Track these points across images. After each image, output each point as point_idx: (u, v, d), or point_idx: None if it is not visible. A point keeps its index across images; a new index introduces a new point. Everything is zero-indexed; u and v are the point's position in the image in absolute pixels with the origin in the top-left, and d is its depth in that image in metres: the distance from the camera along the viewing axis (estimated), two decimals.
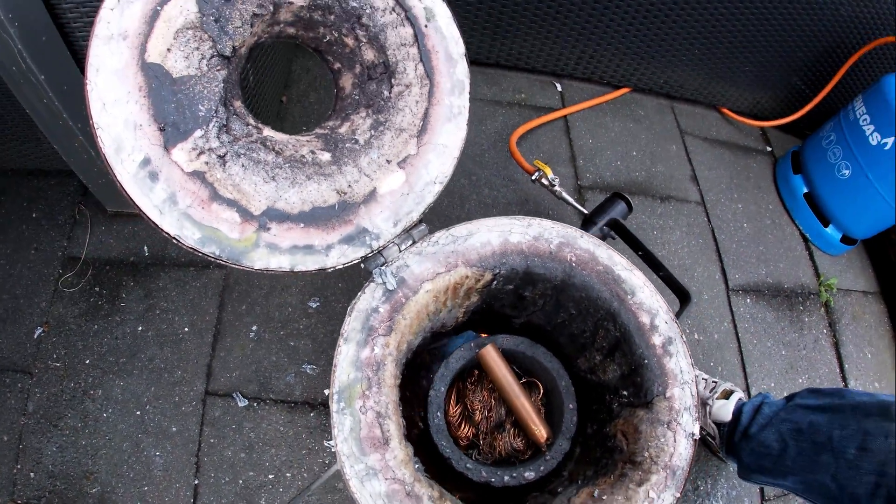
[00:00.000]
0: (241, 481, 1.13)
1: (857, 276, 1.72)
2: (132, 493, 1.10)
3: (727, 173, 1.73)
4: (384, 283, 0.74)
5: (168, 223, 0.64)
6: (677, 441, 0.74)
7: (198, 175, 0.66)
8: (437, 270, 0.77)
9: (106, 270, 1.28)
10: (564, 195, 1.31)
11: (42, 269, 1.26)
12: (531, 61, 1.66)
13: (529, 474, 0.83)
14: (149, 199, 0.63)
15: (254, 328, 1.27)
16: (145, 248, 1.32)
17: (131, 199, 0.64)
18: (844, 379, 1.52)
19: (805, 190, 1.65)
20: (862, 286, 1.71)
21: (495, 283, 0.82)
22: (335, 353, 0.71)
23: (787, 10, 1.49)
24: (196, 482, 1.12)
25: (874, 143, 1.43)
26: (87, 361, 1.19)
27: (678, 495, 0.71)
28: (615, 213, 1.26)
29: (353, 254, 0.74)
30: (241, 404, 1.20)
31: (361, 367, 0.69)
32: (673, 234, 1.58)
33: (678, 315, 0.85)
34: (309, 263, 0.71)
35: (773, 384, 1.45)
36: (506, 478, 0.81)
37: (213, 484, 1.12)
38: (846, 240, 1.65)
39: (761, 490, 1.32)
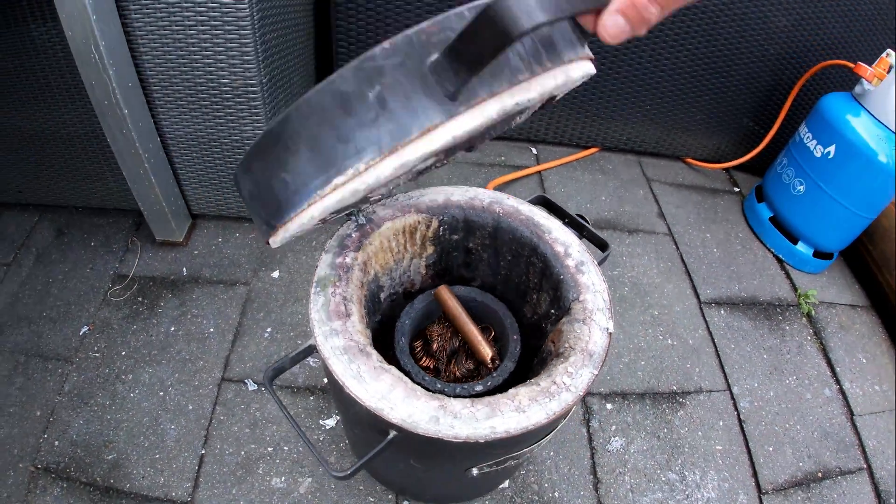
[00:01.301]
0: (242, 453, 1.25)
1: (841, 290, 1.81)
2: (144, 459, 1.22)
3: (694, 210, 1.93)
4: (356, 220, 0.97)
5: None
6: (592, 332, 0.88)
7: None
8: (395, 214, 1.00)
9: (149, 285, 1.54)
10: None
11: (94, 283, 1.53)
12: (509, 131, 2.01)
13: (478, 387, 0.96)
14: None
15: (268, 330, 1.47)
16: (184, 269, 1.58)
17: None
18: (838, 381, 1.56)
19: (770, 214, 1.83)
20: (848, 300, 1.78)
21: (442, 229, 1.04)
22: (318, 261, 0.92)
23: (721, 57, 1.79)
24: (203, 452, 1.25)
25: (818, 155, 1.64)
26: (123, 353, 1.40)
27: (595, 373, 0.84)
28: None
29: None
30: (251, 388, 1.36)
31: (335, 267, 0.90)
32: (641, 259, 1.75)
33: (600, 263, 1.02)
34: None
35: (756, 384, 1.50)
36: (457, 389, 0.95)
37: (217, 454, 1.25)
38: (820, 255, 1.78)
39: (757, 484, 1.33)
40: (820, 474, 1.38)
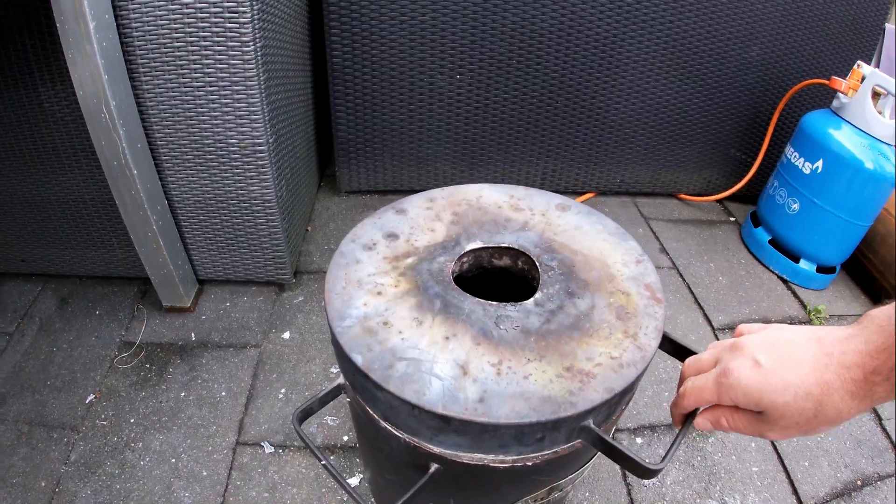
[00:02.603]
0: None
1: (848, 302, 1.79)
2: None
3: (694, 242, 1.94)
4: None
5: None
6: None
7: None
8: None
9: (157, 351, 1.48)
10: None
11: (100, 351, 1.46)
12: (506, 181, 2.04)
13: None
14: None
15: (282, 391, 1.40)
16: (192, 334, 1.53)
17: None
18: None
19: (769, 237, 1.84)
20: (857, 310, 1.76)
21: None
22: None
23: (703, 92, 1.86)
24: None
25: (807, 172, 1.68)
26: (132, 420, 1.32)
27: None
28: None
29: None
30: (267, 451, 1.27)
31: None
32: None
33: None
34: None
35: None
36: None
37: None
38: (823, 269, 1.77)
39: (799, 501, 1.26)
40: (859, 482, 1.31)
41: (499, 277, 0.95)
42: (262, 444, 1.28)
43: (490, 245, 0.90)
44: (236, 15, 1.18)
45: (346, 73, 1.74)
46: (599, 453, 0.82)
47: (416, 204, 0.99)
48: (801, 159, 1.70)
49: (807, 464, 1.34)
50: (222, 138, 1.35)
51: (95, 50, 1.09)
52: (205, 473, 1.22)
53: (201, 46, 1.22)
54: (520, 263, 0.89)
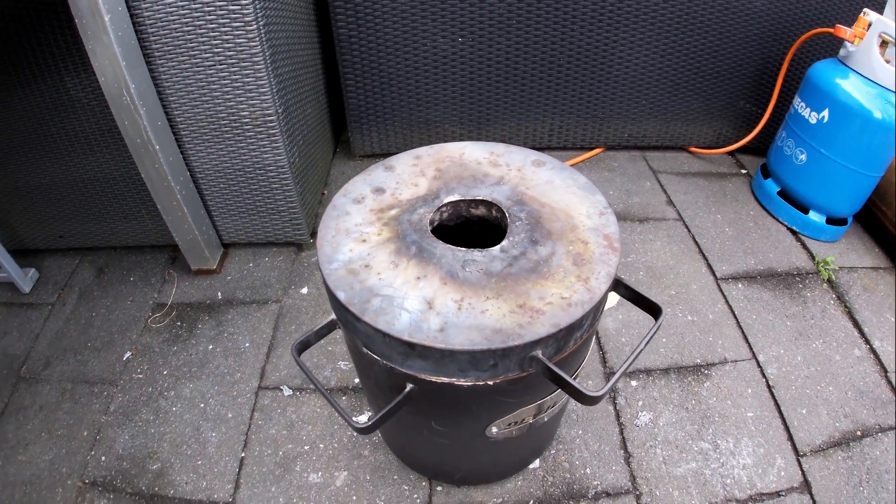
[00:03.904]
0: (280, 453, 1.32)
1: (860, 255, 1.80)
2: (187, 466, 1.30)
3: (703, 195, 1.97)
4: None
5: None
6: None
7: None
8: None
9: (187, 311, 1.66)
10: None
11: (135, 314, 1.65)
12: (514, 140, 2.11)
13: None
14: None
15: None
16: (219, 293, 1.70)
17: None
18: (867, 340, 1.54)
19: (777, 188, 1.85)
20: (869, 263, 1.78)
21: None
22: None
23: (709, 43, 1.87)
24: (243, 455, 1.32)
25: (813, 121, 1.68)
26: (165, 372, 1.50)
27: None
28: None
29: None
30: (286, 394, 1.43)
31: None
32: (654, 245, 1.79)
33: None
34: None
35: (782, 350, 1.51)
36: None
37: (256, 456, 1.32)
38: (833, 221, 1.78)
39: (794, 447, 1.32)
40: (859, 433, 1.36)
41: (479, 225, 1.05)
42: (281, 387, 1.44)
43: (467, 198, 1.00)
44: None
45: (352, 43, 1.83)
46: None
47: (403, 161, 1.09)
48: (808, 109, 1.70)
49: (804, 411, 1.39)
50: (234, 112, 1.48)
51: (112, 40, 1.22)
52: (230, 415, 1.40)
53: (208, 28, 1.33)
54: (493, 213, 0.99)
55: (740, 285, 1.68)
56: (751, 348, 1.52)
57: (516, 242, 0.90)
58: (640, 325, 1.56)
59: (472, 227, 1.05)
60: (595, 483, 1.26)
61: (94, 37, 1.22)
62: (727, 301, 1.63)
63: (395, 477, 1.27)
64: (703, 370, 1.48)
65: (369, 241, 0.92)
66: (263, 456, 1.32)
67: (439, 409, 0.93)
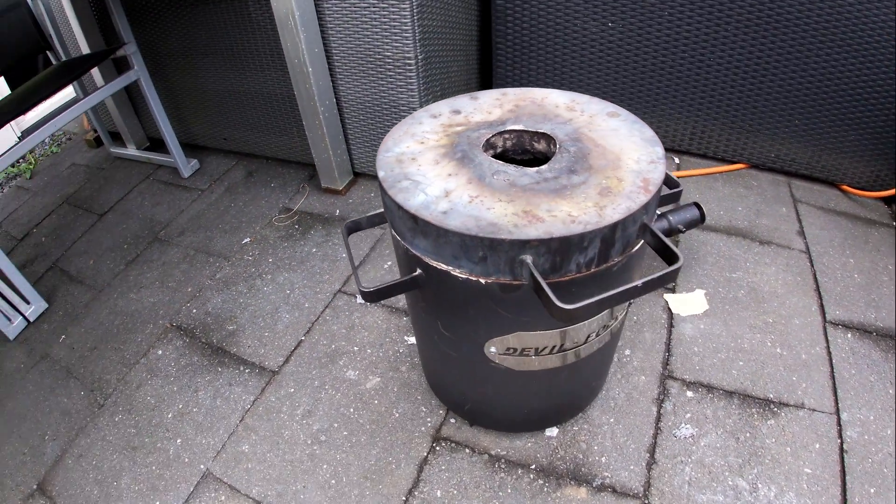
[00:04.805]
0: (333, 346, 1.48)
1: None
2: (255, 334, 1.52)
3: (840, 235, 1.71)
4: None
5: None
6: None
7: None
8: None
9: (307, 218, 1.91)
10: None
11: (265, 211, 1.95)
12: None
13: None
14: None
15: (388, 264, 1.70)
16: (337, 210, 1.92)
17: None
18: None
19: None
20: None
21: None
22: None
23: (868, 69, 1.64)
24: (302, 338, 1.50)
25: None
26: (270, 260, 1.75)
27: None
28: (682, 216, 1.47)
29: None
30: (358, 301, 1.59)
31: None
32: (768, 269, 1.61)
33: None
34: None
35: (873, 417, 1.27)
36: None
37: (313, 342, 1.49)
38: None
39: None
40: None
41: (544, 161, 1.09)
42: (357, 296, 1.61)
43: (529, 129, 1.05)
44: None
45: (507, 17, 1.95)
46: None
47: (489, 95, 1.18)
48: None
49: (872, 490, 1.16)
50: (380, 50, 1.68)
51: None
52: (307, 305, 1.59)
53: None
54: (550, 147, 1.02)
55: (850, 335, 1.44)
56: (837, 402, 1.31)
57: (554, 168, 0.93)
58: (720, 340, 1.44)
59: (538, 164, 1.10)
60: (605, 475, 1.20)
61: None
62: (828, 346, 1.42)
63: (419, 397, 1.35)
64: (772, 406, 1.31)
65: (426, 143, 1.02)
66: (318, 344, 1.49)
67: (443, 306, 0.99)
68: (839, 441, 1.26)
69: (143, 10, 2.01)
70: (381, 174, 0.94)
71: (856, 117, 1.74)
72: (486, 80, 2.33)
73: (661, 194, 1.09)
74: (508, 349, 0.99)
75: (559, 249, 0.80)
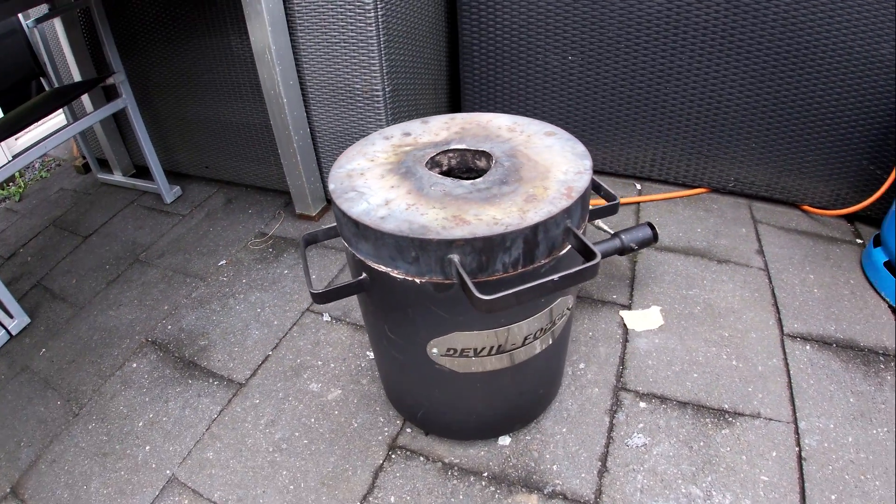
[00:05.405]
0: (298, 360, 1.55)
1: None
2: (225, 350, 1.61)
3: (801, 253, 1.81)
4: None
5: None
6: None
7: None
8: None
9: (280, 242, 2.01)
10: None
11: (241, 235, 2.05)
12: (614, 166, 2.16)
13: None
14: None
15: None
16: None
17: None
18: None
19: (885, 259, 1.63)
20: None
21: None
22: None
23: (826, 91, 1.76)
24: (269, 353, 1.58)
25: None
26: (244, 281, 1.85)
27: None
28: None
29: None
30: (325, 319, 1.67)
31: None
32: (725, 286, 1.69)
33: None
34: None
35: (832, 425, 1.33)
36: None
37: (279, 357, 1.56)
38: None
39: None
40: None
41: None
42: (323, 314, 1.70)
43: (470, 148, 1.16)
44: None
45: (473, 52, 2.10)
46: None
47: (439, 119, 1.30)
48: None
49: (833, 497, 1.22)
50: (350, 83, 1.82)
51: (263, 10, 1.63)
52: (276, 322, 1.68)
53: (338, 11, 1.69)
54: (489, 163, 1.13)
55: (808, 347, 1.52)
56: (794, 412, 1.38)
57: (488, 180, 1.04)
58: (675, 354, 1.51)
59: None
60: (557, 482, 1.26)
61: (251, 5, 1.64)
62: (786, 358, 1.49)
63: (377, 408, 1.42)
64: (727, 416, 1.38)
65: (376, 160, 1.13)
66: (285, 359, 1.57)
67: (387, 309, 1.08)
68: (797, 449, 1.31)
69: (132, 41, 2.17)
70: (331, 187, 1.05)
71: (813, 139, 1.86)
72: (455, 111, 2.48)
73: (598, 207, 1.20)
74: (449, 350, 1.08)
75: (483, 248, 0.90)
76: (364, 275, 1.03)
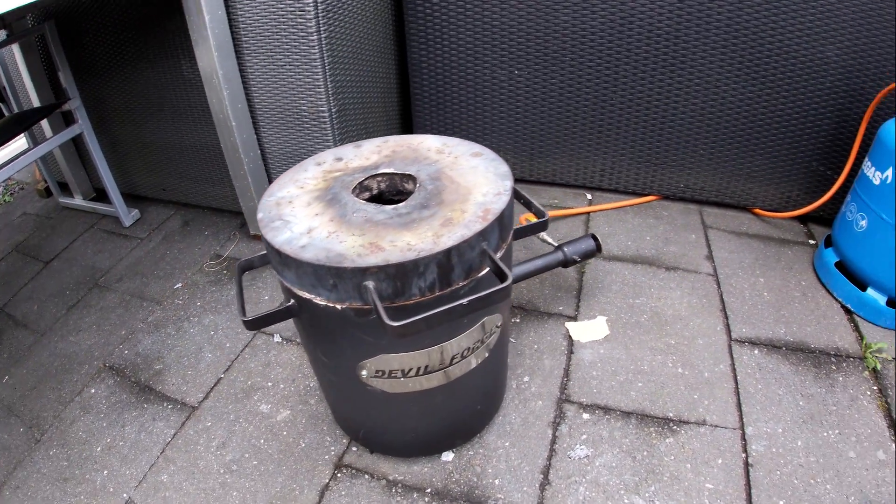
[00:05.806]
0: (249, 382, 1.58)
1: None
2: (179, 373, 1.64)
3: (751, 257, 1.87)
4: None
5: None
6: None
7: None
8: None
9: (234, 264, 2.05)
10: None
11: (197, 258, 2.09)
12: (565, 177, 2.22)
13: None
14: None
15: None
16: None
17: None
18: None
19: (836, 259, 1.70)
20: None
21: None
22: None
23: (774, 94, 1.82)
24: (221, 376, 1.61)
25: (877, 182, 1.54)
26: (199, 304, 1.88)
27: None
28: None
29: None
30: (276, 340, 1.71)
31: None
32: (671, 293, 1.75)
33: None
34: None
35: (780, 430, 1.38)
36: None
37: (231, 379, 1.60)
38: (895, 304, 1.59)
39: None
40: None
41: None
42: (274, 335, 1.73)
43: (398, 172, 1.21)
44: (302, 11, 1.68)
45: (422, 67, 2.15)
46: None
47: (372, 143, 1.34)
48: (873, 169, 1.56)
49: (782, 502, 1.26)
50: (296, 105, 1.86)
51: (209, 35, 1.67)
52: (228, 345, 1.71)
53: (282, 35, 1.73)
54: (415, 186, 1.18)
55: (756, 352, 1.57)
56: (741, 418, 1.42)
57: (409, 205, 1.08)
58: (620, 364, 1.56)
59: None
60: (498, 497, 1.29)
61: (198, 30, 1.68)
62: (733, 363, 1.54)
63: (325, 428, 1.46)
64: (671, 425, 1.42)
65: (305, 187, 1.17)
66: (236, 381, 1.60)
67: (316, 333, 1.13)
68: (744, 455, 1.35)
69: (89, 67, 2.20)
70: (259, 216, 1.09)
71: (762, 142, 1.92)
72: (407, 127, 2.52)
73: (528, 225, 1.24)
74: (378, 371, 1.12)
75: (397, 275, 0.94)
76: (292, 301, 1.07)
